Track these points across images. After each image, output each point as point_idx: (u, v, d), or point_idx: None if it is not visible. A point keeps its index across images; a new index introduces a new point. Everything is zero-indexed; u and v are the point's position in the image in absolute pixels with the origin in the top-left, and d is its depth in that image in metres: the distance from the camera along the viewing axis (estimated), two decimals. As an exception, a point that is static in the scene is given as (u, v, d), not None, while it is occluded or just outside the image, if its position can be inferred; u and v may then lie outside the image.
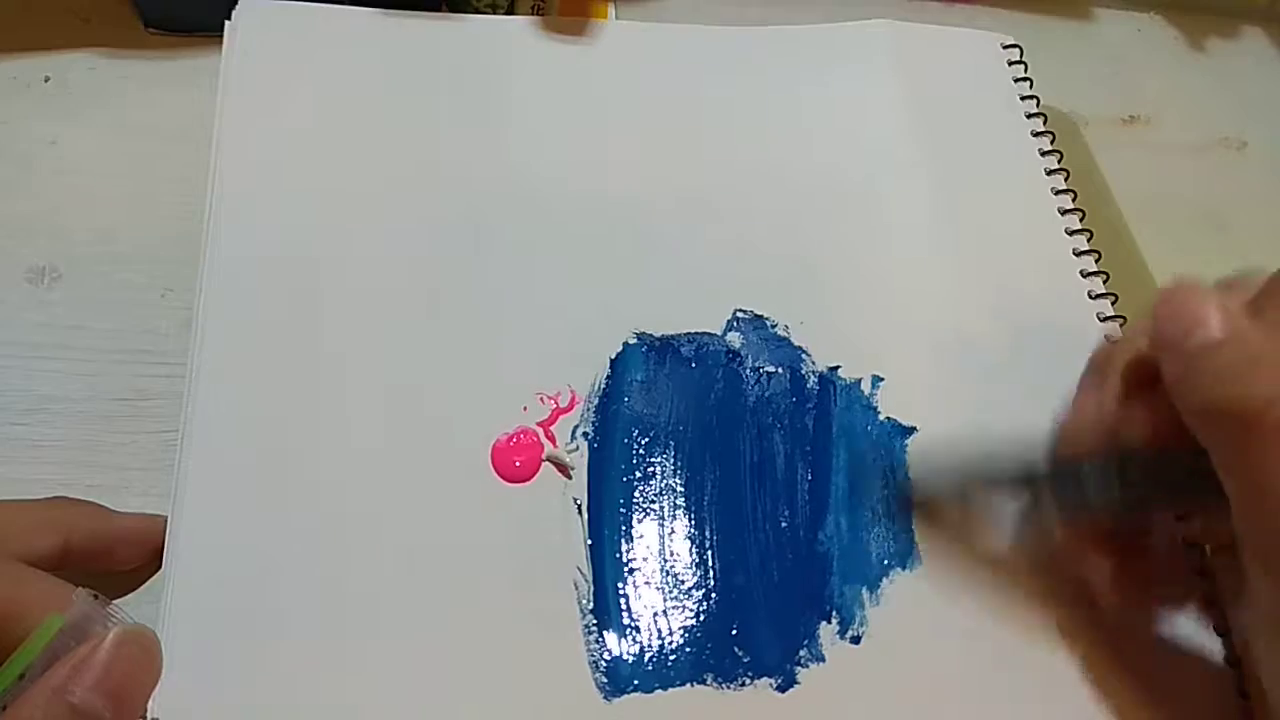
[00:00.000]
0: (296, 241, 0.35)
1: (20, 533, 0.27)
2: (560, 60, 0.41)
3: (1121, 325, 0.37)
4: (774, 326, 0.35)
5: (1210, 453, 0.23)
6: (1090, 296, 0.37)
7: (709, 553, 0.31)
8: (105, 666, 0.24)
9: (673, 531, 0.31)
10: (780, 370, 0.35)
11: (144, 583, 0.29)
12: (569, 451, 0.32)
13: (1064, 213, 0.39)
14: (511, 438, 0.32)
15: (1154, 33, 0.52)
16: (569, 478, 0.32)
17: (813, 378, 0.35)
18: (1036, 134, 0.41)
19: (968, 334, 0.36)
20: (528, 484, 0.32)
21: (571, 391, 0.33)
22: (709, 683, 0.29)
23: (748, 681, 0.29)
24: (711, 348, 0.35)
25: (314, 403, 0.32)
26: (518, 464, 0.32)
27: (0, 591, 0.25)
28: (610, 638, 0.29)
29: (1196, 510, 0.27)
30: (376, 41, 0.40)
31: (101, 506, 0.29)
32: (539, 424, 0.32)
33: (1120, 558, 0.28)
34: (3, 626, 0.24)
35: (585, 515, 0.31)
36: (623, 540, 0.31)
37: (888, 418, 0.34)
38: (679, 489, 0.32)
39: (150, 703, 0.26)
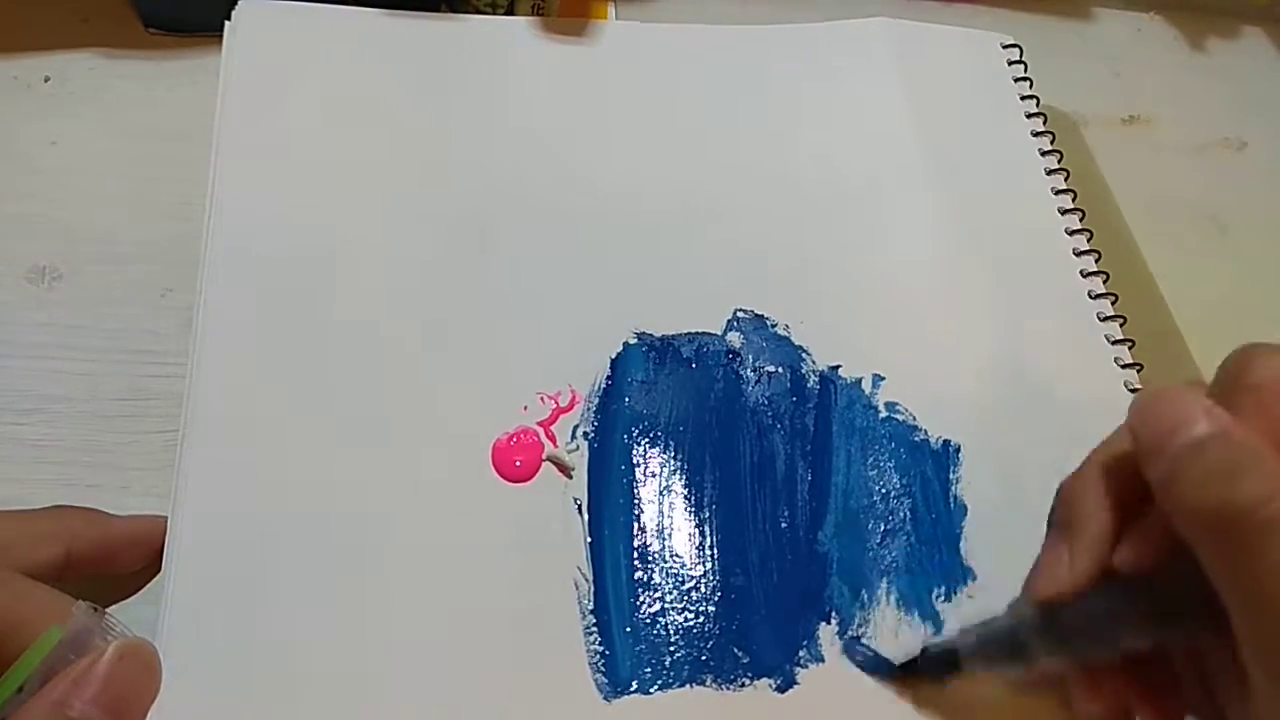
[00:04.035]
0: (296, 241, 0.35)
1: (22, 544, 0.27)
2: (560, 60, 0.41)
3: (1121, 325, 0.37)
4: (774, 326, 0.35)
5: (1203, 560, 0.22)
6: (1090, 296, 0.37)
7: (709, 553, 0.31)
8: (105, 680, 0.24)
9: (673, 531, 0.31)
10: (781, 370, 0.35)
11: (145, 585, 0.29)
12: (569, 451, 0.32)
13: (1064, 213, 0.39)
14: (512, 437, 0.32)
15: (1154, 33, 0.52)
16: (569, 477, 0.32)
17: (813, 377, 0.35)
18: (1036, 134, 0.41)
19: (968, 333, 0.36)
20: (528, 484, 0.32)
21: (572, 391, 0.33)
22: (708, 683, 0.29)
23: (747, 682, 0.29)
24: (712, 347, 0.35)
25: (314, 402, 0.32)
26: (518, 464, 0.32)
27: (0, 604, 0.24)
28: (610, 638, 0.29)
29: (1198, 630, 0.24)
30: (376, 41, 0.40)
31: (101, 512, 0.29)
32: (539, 423, 0.32)
33: (1150, 682, 0.26)
34: (2, 638, 0.24)
35: (585, 515, 0.31)
36: (623, 540, 0.31)
37: (889, 417, 0.34)
38: (679, 489, 0.32)
39: (149, 716, 0.26)
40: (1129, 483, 0.25)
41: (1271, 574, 0.21)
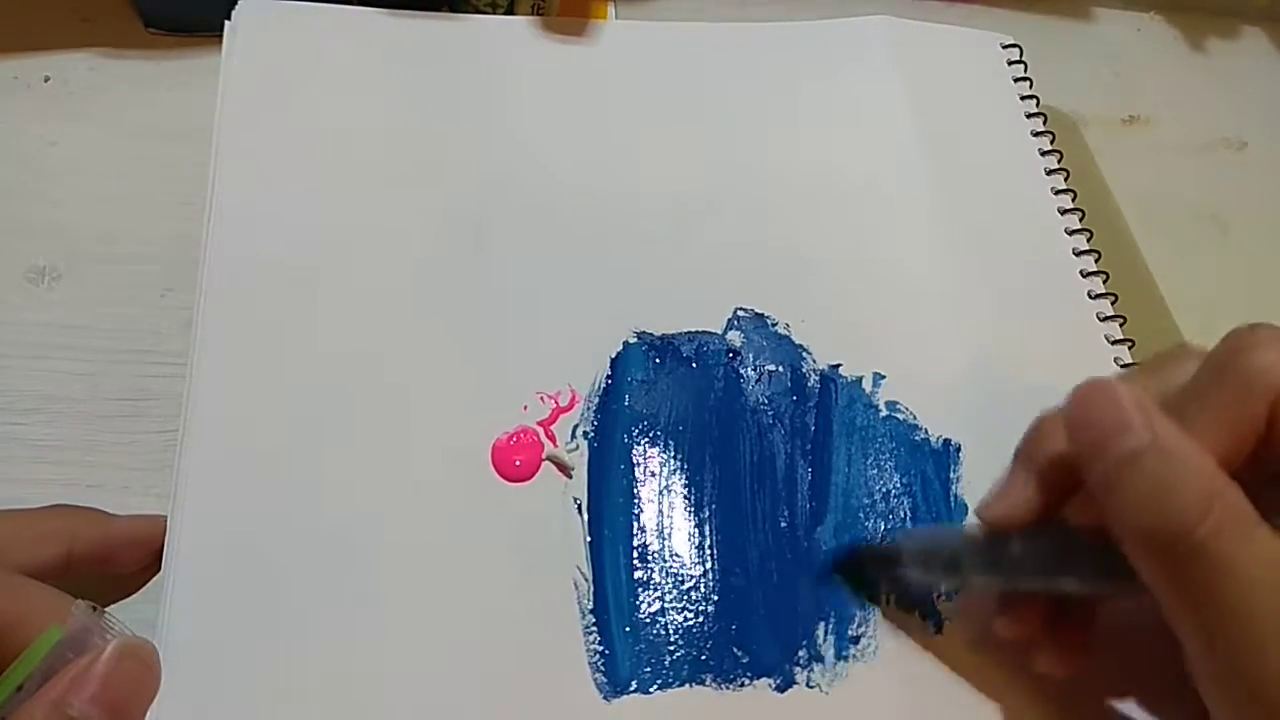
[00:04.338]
0: (296, 241, 0.35)
1: (23, 544, 0.27)
2: (560, 60, 0.41)
3: (1121, 325, 0.37)
4: (775, 325, 0.35)
5: (1142, 575, 0.21)
6: (1090, 296, 0.37)
7: (709, 552, 0.31)
8: (104, 679, 0.24)
9: (673, 531, 0.31)
10: (781, 368, 0.35)
11: (145, 584, 0.29)
12: (569, 451, 0.32)
13: (1064, 213, 0.39)
14: (511, 437, 0.32)
15: (1154, 33, 0.52)
16: (569, 477, 0.32)
17: (814, 376, 0.35)
18: (1036, 134, 0.41)
19: (968, 332, 0.36)
20: (528, 483, 0.32)
21: (572, 390, 0.33)
22: (708, 683, 0.29)
23: (747, 681, 0.29)
24: (712, 346, 0.35)
25: (314, 402, 0.32)
26: (518, 463, 0.32)
27: (0, 603, 0.24)
28: (610, 638, 0.29)
29: (1134, 592, 0.23)
30: (376, 41, 0.40)
31: (102, 511, 0.29)
32: (539, 423, 0.32)
33: (1061, 633, 0.26)
34: (2, 638, 0.24)
35: (585, 514, 0.31)
36: (622, 540, 0.31)
37: (889, 416, 0.34)
38: (679, 488, 0.32)
39: (149, 716, 0.26)
40: None
41: (1208, 600, 0.20)
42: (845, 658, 0.30)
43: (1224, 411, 0.22)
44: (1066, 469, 0.25)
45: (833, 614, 0.30)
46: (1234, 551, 0.20)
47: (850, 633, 0.30)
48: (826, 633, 0.30)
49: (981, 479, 0.33)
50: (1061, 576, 0.24)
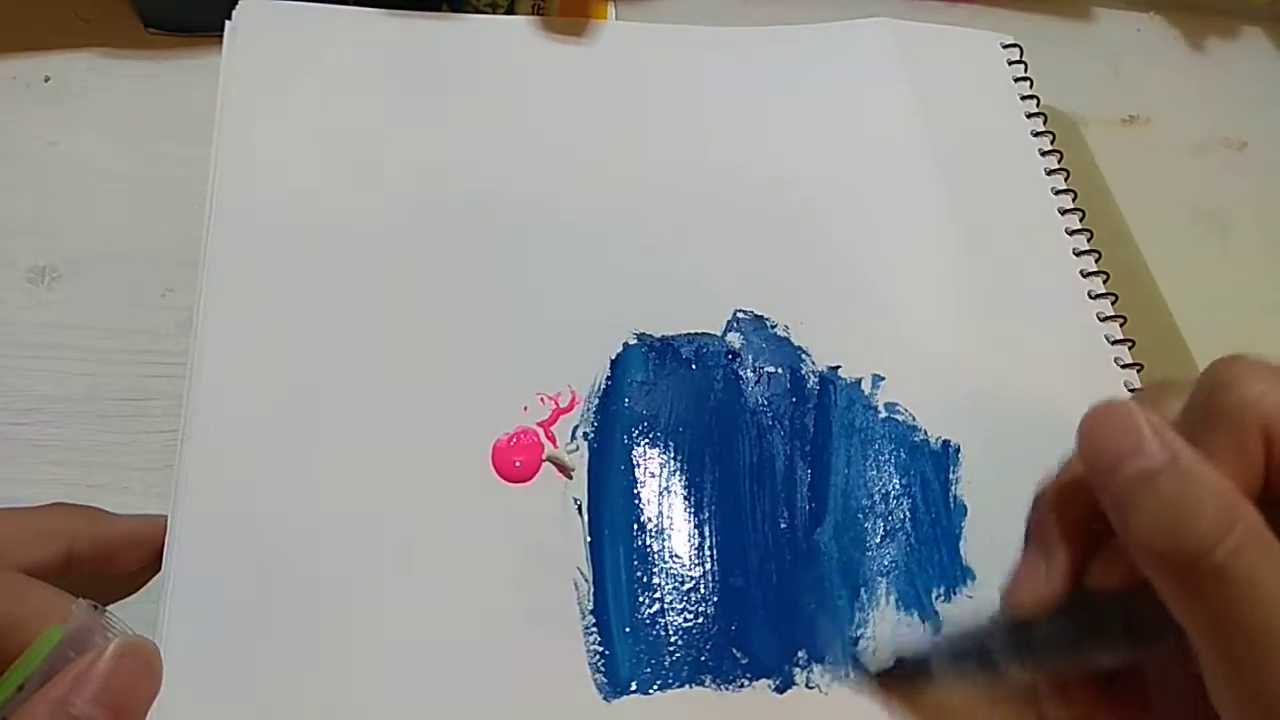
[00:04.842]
0: (296, 242, 0.35)
1: (23, 543, 0.27)
2: (560, 60, 0.41)
3: (1121, 325, 0.37)
4: (774, 326, 0.35)
5: (1163, 596, 0.21)
6: (1090, 296, 0.37)
7: (708, 553, 0.31)
8: (105, 678, 0.24)
9: (672, 532, 0.31)
10: (780, 370, 0.35)
11: (145, 584, 0.29)
12: (569, 452, 0.32)
13: (1064, 213, 0.39)
14: (511, 438, 0.32)
15: (1154, 33, 0.52)
16: (569, 478, 0.32)
17: (813, 377, 0.35)
18: (1036, 134, 0.41)
19: (967, 333, 0.36)
20: (528, 484, 0.32)
21: (572, 392, 0.33)
22: (708, 684, 0.29)
23: (746, 682, 0.29)
24: (711, 348, 0.35)
25: (314, 403, 0.32)
26: (518, 464, 0.32)
27: (0, 603, 0.24)
28: (610, 638, 0.29)
29: (1172, 650, 0.22)
30: (376, 41, 0.40)
31: (102, 511, 0.29)
32: (539, 424, 0.32)
33: (1119, 695, 0.25)
34: (3, 637, 0.24)
35: (585, 515, 0.31)
36: (622, 540, 0.31)
37: (888, 417, 0.34)
38: (679, 489, 0.32)
39: (150, 715, 0.26)
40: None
41: (1229, 621, 0.20)
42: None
43: (1221, 452, 0.21)
44: (1080, 532, 0.24)
45: (832, 615, 0.30)
46: (1255, 572, 0.20)
47: (850, 633, 0.30)
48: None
49: (981, 480, 0.33)
50: (1095, 651, 0.24)
